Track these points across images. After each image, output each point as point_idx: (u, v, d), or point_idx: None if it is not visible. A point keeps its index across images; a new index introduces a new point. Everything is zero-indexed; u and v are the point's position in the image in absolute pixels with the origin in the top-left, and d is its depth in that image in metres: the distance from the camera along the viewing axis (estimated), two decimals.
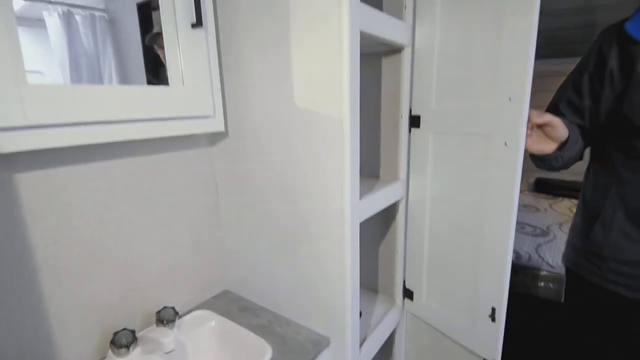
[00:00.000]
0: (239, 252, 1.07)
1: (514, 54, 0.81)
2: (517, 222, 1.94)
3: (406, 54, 1.01)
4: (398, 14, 1.00)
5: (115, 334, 0.81)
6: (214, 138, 1.01)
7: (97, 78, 0.86)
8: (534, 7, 0.77)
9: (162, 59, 0.84)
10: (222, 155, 1.01)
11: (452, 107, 0.98)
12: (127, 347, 0.80)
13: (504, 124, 0.86)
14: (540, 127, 0.89)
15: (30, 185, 0.69)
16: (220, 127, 0.93)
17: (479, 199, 0.94)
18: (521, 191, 2.57)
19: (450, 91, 0.98)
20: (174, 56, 0.81)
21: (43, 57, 0.78)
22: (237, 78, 0.91)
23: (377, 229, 1.20)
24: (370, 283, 1.26)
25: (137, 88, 0.76)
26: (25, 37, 0.75)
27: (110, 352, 0.81)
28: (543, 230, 1.81)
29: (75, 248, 0.78)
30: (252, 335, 0.93)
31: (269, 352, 0.86)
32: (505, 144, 0.87)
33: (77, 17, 0.82)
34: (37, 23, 0.78)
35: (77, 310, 0.80)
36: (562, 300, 1.41)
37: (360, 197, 0.85)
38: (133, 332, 0.83)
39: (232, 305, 1.06)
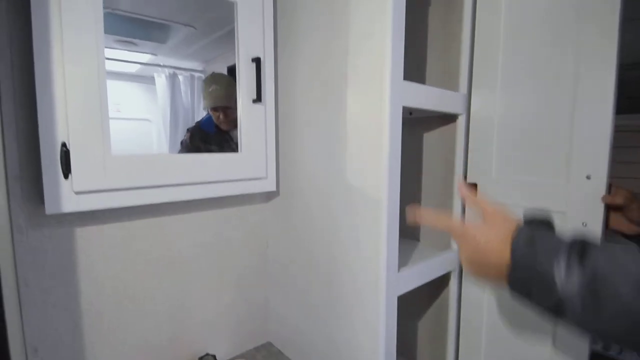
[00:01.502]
0: (281, 310, 1.10)
1: (591, 129, 0.76)
2: None
3: (460, 122, 1.00)
4: (453, 82, 1.00)
5: None
6: (268, 196, 1.09)
7: (190, 125, 1.02)
8: (611, 89, 0.72)
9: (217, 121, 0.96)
10: (273, 212, 1.08)
11: (517, 179, 0.92)
12: None
13: (580, 203, 0.79)
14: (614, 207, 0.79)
15: (105, 235, 0.82)
16: (272, 187, 1.00)
17: None
18: None
19: (514, 161, 0.92)
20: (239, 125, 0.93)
21: (150, 108, 0.96)
22: (289, 145, 0.99)
23: (424, 300, 1.12)
24: (416, 356, 1.17)
25: (201, 156, 0.87)
26: (139, 91, 0.94)
27: None
28: None
29: (137, 292, 0.88)
30: None
31: None
32: (584, 224, 0.79)
33: (180, 77, 0.99)
34: (149, 80, 0.96)
35: (130, 348, 0.89)
36: None
37: (400, 267, 0.83)
38: None
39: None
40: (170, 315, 0.95)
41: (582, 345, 0.81)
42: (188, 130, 0.98)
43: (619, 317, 0.35)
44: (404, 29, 0.75)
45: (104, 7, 0.70)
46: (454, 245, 1.03)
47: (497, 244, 0.44)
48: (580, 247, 0.40)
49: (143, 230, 0.88)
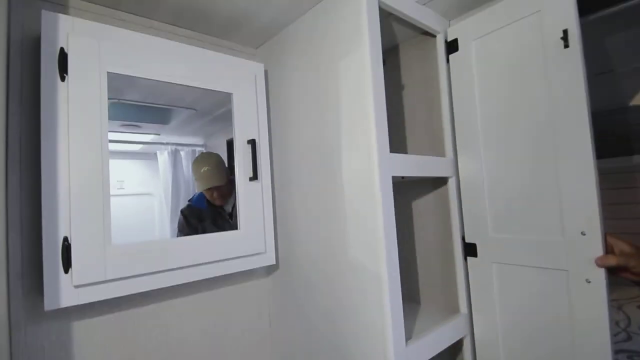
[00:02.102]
0: None
1: (578, 181, 0.79)
2: (636, 352, 1.55)
3: (451, 184, 1.03)
4: (439, 148, 1.05)
5: None
6: (267, 270, 1.09)
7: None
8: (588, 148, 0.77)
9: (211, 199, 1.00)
10: (274, 286, 1.07)
11: (514, 238, 0.93)
12: None
13: (580, 260, 0.79)
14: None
15: (103, 327, 0.80)
16: (272, 261, 1.00)
17: (565, 335, 0.82)
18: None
19: (509, 220, 0.94)
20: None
21: (153, 182, 0.98)
22: (286, 219, 1.01)
23: None
24: None
25: (200, 238, 0.89)
26: (142, 167, 0.97)
27: None
28: None
29: None
30: None
31: None
32: (588, 281, 0.79)
33: (182, 153, 1.03)
34: (152, 156, 0.99)
35: None
36: None
37: (408, 340, 0.80)
38: None
39: None
40: None
41: None
42: (181, 212, 1.01)
43: None
44: (385, 111, 0.81)
45: (110, 98, 0.76)
46: (462, 309, 1.00)
47: None
48: None
49: (143, 318, 0.86)
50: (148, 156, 1.01)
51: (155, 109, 1.01)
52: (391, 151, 0.82)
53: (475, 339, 1.00)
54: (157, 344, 0.88)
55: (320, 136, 0.91)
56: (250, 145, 0.97)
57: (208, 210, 1.02)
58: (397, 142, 1.13)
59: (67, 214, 0.68)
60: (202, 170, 1.03)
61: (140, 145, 1.00)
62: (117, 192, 0.77)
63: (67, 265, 0.67)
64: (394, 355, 0.75)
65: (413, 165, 0.90)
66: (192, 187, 1.06)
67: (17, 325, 0.71)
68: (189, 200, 1.04)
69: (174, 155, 1.05)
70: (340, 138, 0.86)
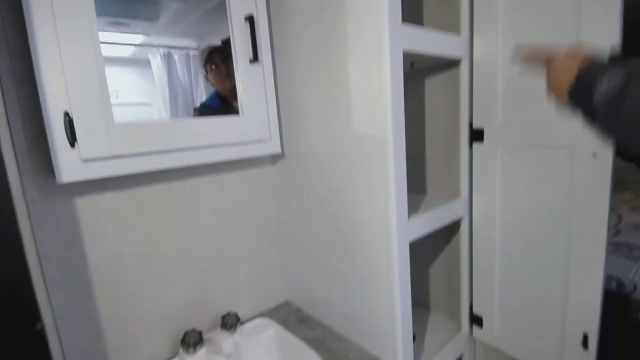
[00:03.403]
0: (296, 270, 1.12)
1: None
2: (625, 245, 1.67)
3: (463, 67, 0.97)
4: (454, 26, 0.97)
5: (186, 333, 0.92)
6: (273, 158, 1.10)
7: (190, 105, 1.01)
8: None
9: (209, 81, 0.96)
10: (281, 174, 1.09)
11: (524, 119, 0.91)
12: (195, 346, 0.90)
13: (589, 136, 0.78)
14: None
15: (118, 205, 0.84)
16: (277, 150, 1.00)
17: (563, 216, 0.87)
18: (634, 208, 2.17)
19: (521, 102, 0.91)
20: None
21: (149, 91, 0.95)
22: (291, 104, 0.98)
23: (436, 248, 1.14)
24: (432, 305, 1.20)
25: (202, 119, 0.87)
26: (136, 76, 0.93)
27: (181, 350, 0.92)
28: None
29: (154, 258, 0.91)
30: (306, 348, 0.96)
31: None
32: (594, 156, 0.79)
33: (175, 57, 0.98)
34: (145, 63, 0.95)
35: (156, 315, 0.93)
36: None
37: (410, 215, 0.84)
38: (200, 333, 0.93)
39: (290, 317, 1.11)
40: (193, 282, 0.98)
41: (595, 285, 0.82)
42: (195, 109, 0.98)
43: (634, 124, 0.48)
44: None
45: None
46: (463, 194, 1.03)
47: (570, 66, 0.57)
48: (622, 71, 0.50)
49: (155, 198, 0.89)
50: (141, 63, 0.94)
51: (140, 1, 0.91)
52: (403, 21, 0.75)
53: (473, 218, 1.04)
54: (172, 223, 0.92)
55: (323, 6, 0.83)
56: (248, 23, 0.89)
57: (220, 108, 0.99)
58: (409, 14, 1.05)
59: (64, 90, 0.65)
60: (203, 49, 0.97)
61: (132, 50, 0.93)
62: (113, 101, 0.73)
63: (72, 139, 0.66)
64: (397, 227, 0.79)
65: (426, 40, 0.84)
66: (190, 95, 1.01)
67: (32, 201, 0.73)
68: (201, 103, 1.01)
69: (167, 60, 0.98)
70: (345, 5, 0.78)
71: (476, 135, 1.01)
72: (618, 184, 2.50)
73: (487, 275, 1.03)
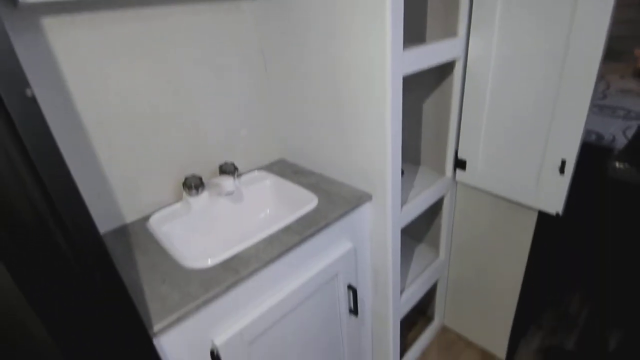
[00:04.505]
0: (289, 125, 1.13)
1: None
2: (609, 107, 1.71)
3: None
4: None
5: (186, 178, 0.96)
6: None
7: None
8: None
9: None
10: (262, 17, 1.01)
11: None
12: (197, 188, 0.95)
13: None
14: None
15: (92, 45, 0.78)
16: None
17: (558, 59, 0.84)
18: (623, 76, 2.16)
19: None
20: None
21: None
22: None
23: (427, 93, 1.14)
24: (421, 161, 1.26)
25: None
26: None
27: (184, 193, 0.97)
28: (638, 114, 1.56)
29: (143, 108, 0.89)
30: (301, 189, 1.03)
31: (314, 201, 0.96)
32: None
33: None
34: None
35: (154, 161, 0.95)
36: None
37: (405, 47, 0.81)
38: (200, 178, 0.97)
39: (286, 170, 1.16)
40: (185, 133, 0.99)
41: (579, 117, 0.84)
42: None
43: None
44: None
45: None
46: (461, 32, 0.99)
47: None
48: None
49: (128, 39, 0.83)
50: None
51: None
52: None
53: (468, 59, 1.02)
54: (151, 70, 0.88)
55: None
56: None
57: None
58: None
59: None
60: None
61: None
62: None
63: None
64: (391, 58, 0.76)
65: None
66: None
67: None
68: None
69: None
70: None
71: None
72: (611, 54, 2.45)
73: (476, 120, 1.05)
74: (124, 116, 0.87)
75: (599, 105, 1.75)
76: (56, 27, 0.73)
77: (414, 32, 1.09)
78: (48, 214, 0.43)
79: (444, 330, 1.50)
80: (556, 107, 0.88)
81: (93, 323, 0.51)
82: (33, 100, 0.38)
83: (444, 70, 1.06)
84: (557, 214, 0.96)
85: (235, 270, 0.74)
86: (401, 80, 0.82)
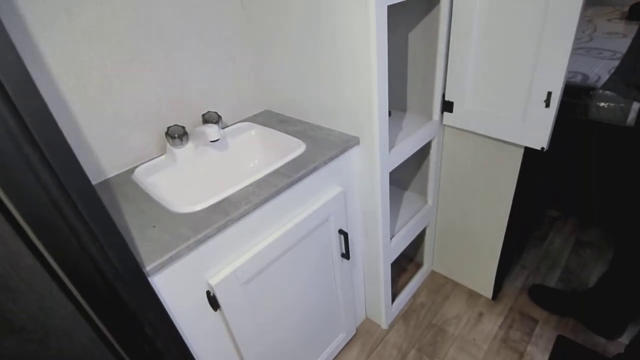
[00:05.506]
0: (273, 74, 1.09)
1: None
2: (595, 49, 1.69)
3: None
4: None
5: (169, 128, 0.93)
6: None
7: None
8: None
9: None
10: None
11: None
12: (180, 138, 0.93)
13: None
14: None
15: None
16: None
17: None
18: (610, 19, 2.14)
19: None
20: None
21: None
22: None
23: (413, 33, 1.11)
24: (408, 108, 1.24)
25: None
26: None
27: (167, 145, 0.95)
28: (624, 54, 1.56)
29: (125, 57, 0.84)
30: (288, 136, 1.01)
31: (302, 147, 0.95)
32: None
33: None
34: None
35: (132, 110, 0.91)
36: (626, 122, 1.29)
37: None
38: (183, 127, 0.94)
39: (271, 120, 1.14)
40: (166, 82, 0.94)
41: (564, 51, 0.83)
42: None
43: None
44: None
45: None
46: None
47: None
48: None
49: None
50: None
51: None
52: None
53: None
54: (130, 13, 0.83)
55: None
56: None
57: None
58: None
59: None
60: None
61: None
62: None
63: None
64: None
65: None
66: None
67: None
68: None
69: None
70: None
71: None
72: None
73: (463, 59, 1.03)
74: (94, 61, 0.82)
75: (586, 48, 1.74)
76: None
77: None
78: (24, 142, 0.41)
79: (432, 275, 1.56)
80: (542, 40, 0.87)
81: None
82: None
83: (430, 3, 1.02)
84: (542, 149, 0.97)
85: (225, 212, 0.74)
86: (386, 10, 0.78)
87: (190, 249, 0.68)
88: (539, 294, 1.39)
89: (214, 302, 0.75)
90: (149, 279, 0.62)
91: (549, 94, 0.89)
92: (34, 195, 0.43)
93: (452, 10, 0.99)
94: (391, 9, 0.89)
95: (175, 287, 0.69)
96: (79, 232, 0.48)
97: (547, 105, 0.91)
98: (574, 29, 0.81)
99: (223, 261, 0.76)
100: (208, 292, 0.74)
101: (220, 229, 0.72)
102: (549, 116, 0.92)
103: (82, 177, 0.47)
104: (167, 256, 0.64)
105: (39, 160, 0.42)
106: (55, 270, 0.49)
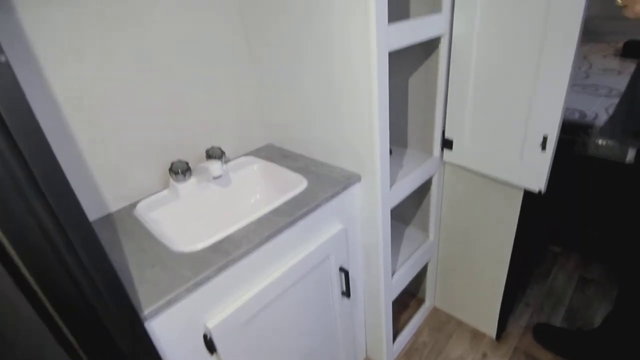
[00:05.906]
0: (276, 111, 1.11)
1: None
2: (592, 85, 1.73)
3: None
4: None
5: (173, 163, 0.94)
6: None
7: None
8: None
9: None
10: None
11: None
12: (184, 173, 0.94)
13: None
14: None
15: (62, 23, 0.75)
16: None
17: (539, 28, 0.84)
18: (605, 56, 2.20)
19: None
20: None
21: None
22: None
23: (413, 69, 1.14)
24: (408, 144, 1.26)
25: None
26: None
27: (171, 179, 0.95)
28: (620, 92, 1.59)
29: (122, 91, 0.86)
30: (290, 172, 1.02)
31: (304, 183, 0.95)
32: None
33: None
34: None
35: (137, 145, 0.92)
36: (626, 160, 1.30)
37: (390, 23, 0.80)
38: (187, 163, 0.95)
39: (274, 154, 1.15)
40: (170, 118, 0.96)
41: (559, 92, 0.85)
42: None
43: None
44: None
45: None
46: (445, 8, 0.98)
47: None
48: None
49: (96, 16, 0.80)
50: None
51: None
52: None
53: (453, 35, 1.01)
54: (125, 52, 0.86)
55: None
56: None
57: None
58: None
59: None
60: None
61: None
62: None
63: None
64: (376, 33, 0.76)
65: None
66: None
67: None
68: None
69: None
70: None
71: None
72: (593, 35, 2.49)
73: (462, 98, 1.05)
74: (102, 96, 0.84)
75: (582, 85, 1.78)
76: (27, 2, 0.70)
77: (398, 9, 1.08)
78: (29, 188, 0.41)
79: (435, 311, 1.52)
80: (537, 83, 0.89)
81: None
82: (7, 65, 0.36)
83: (429, 49, 1.05)
84: (540, 192, 0.97)
85: (226, 252, 0.73)
86: (387, 56, 0.81)
87: (189, 291, 0.66)
88: (543, 335, 1.35)
89: (210, 346, 0.73)
90: (146, 323, 0.61)
91: (545, 138, 0.90)
92: (31, 237, 0.43)
93: (451, 53, 1.02)
94: (392, 53, 0.92)
95: (172, 332, 0.67)
96: (77, 279, 0.48)
97: (544, 149, 0.91)
98: (568, 74, 0.83)
99: (221, 303, 0.74)
100: (205, 336, 0.73)
101: (220, 270, 0.71)
102: (545, 159, 0.92)
103: (88, 231, 0.47)
104: (165, 299, 0.63)
105: (42, 207, 0.43)
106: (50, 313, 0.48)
